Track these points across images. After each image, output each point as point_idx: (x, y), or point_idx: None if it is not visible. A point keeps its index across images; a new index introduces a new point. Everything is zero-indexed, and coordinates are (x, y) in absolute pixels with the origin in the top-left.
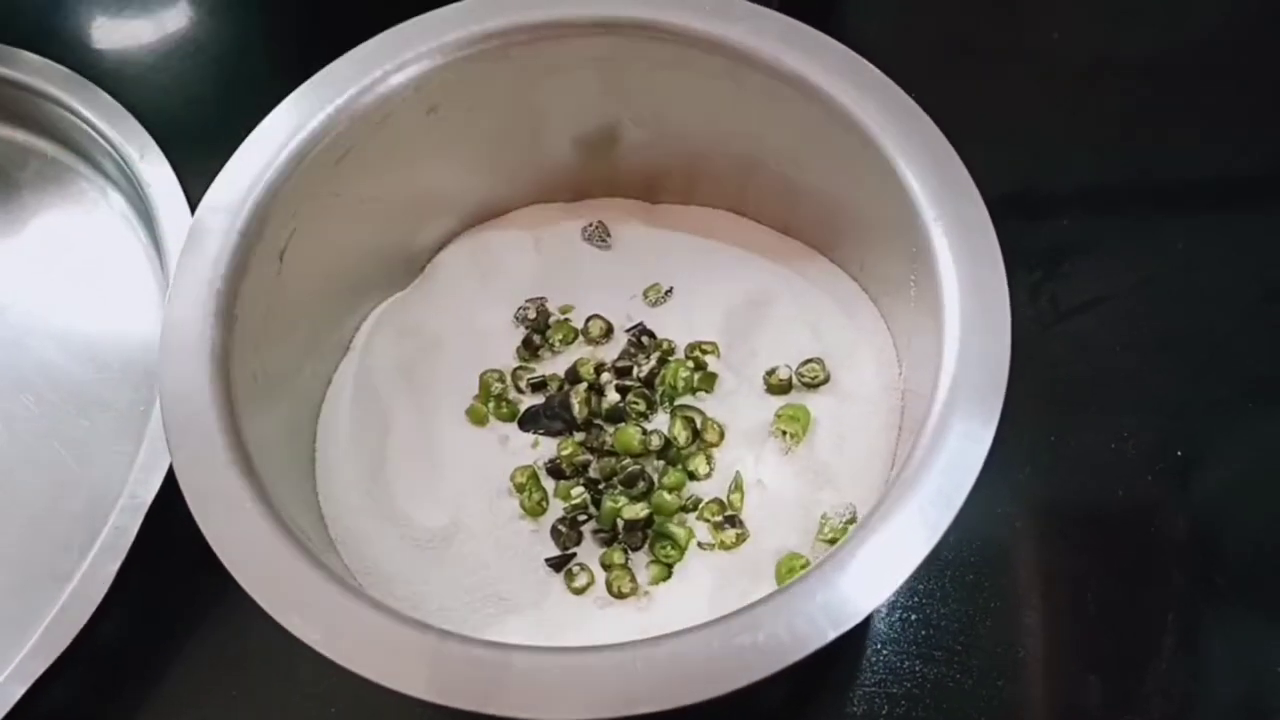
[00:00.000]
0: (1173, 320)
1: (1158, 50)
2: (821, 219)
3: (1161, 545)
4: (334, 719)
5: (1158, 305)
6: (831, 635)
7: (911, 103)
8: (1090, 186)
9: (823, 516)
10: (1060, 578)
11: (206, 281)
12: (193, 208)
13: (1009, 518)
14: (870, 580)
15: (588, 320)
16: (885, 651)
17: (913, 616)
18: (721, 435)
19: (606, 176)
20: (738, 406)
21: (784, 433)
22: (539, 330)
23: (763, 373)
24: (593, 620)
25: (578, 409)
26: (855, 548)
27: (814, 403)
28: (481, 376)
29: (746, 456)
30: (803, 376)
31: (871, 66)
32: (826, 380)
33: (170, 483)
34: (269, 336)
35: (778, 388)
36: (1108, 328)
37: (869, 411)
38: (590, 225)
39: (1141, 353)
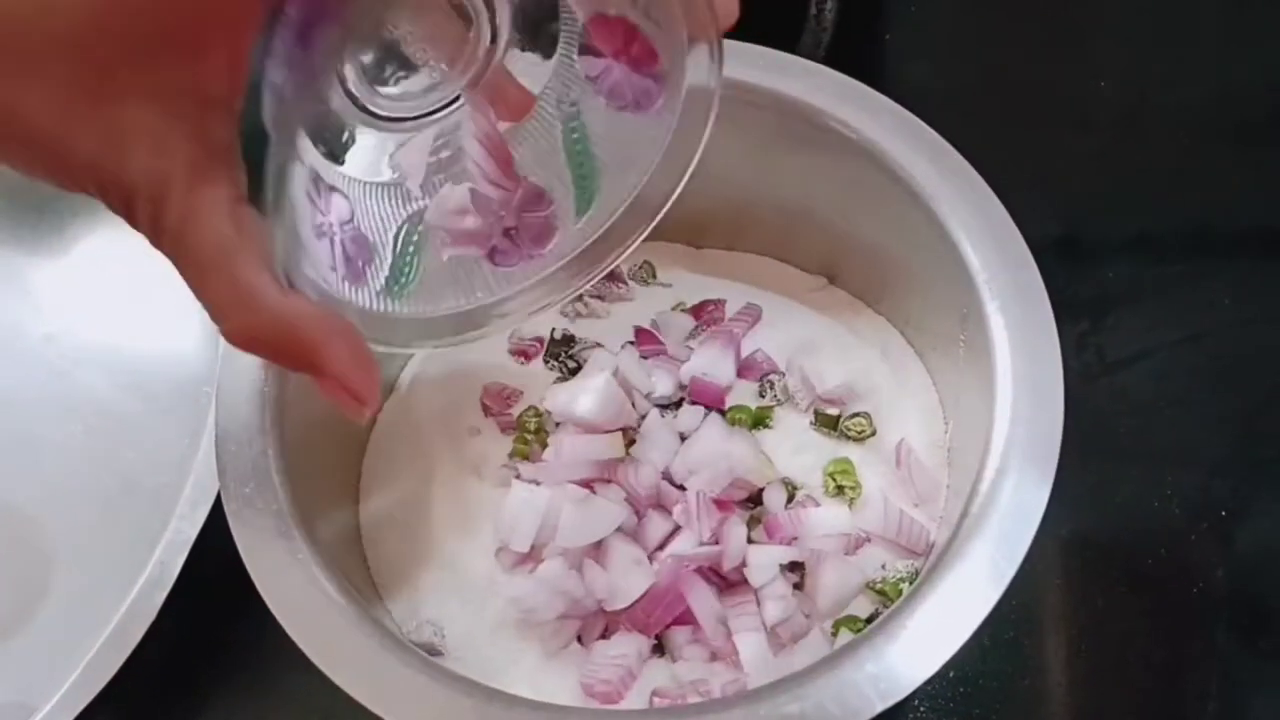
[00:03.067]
0: (1219, 377)
1: (1206, 99)
2: (868, 271)
3: (1205, 606)
4: None
5: (1204, 361)
6: (880, 707)
7: (965, 163)
8: (1137, 237)
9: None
10: (1101, 637)
11: None
12: None
13: (1050, 574)
14: (920, 652)
15: None
16: (923, 709)
17: (951, 673)
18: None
19: None
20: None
21: (839, 487)
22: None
23: (808, 423)
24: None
25: None
26: (905, 618)
27: (859, 456)
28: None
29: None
30: (849, 430)
31: (925, 126)
32: (873, 434)
33: (213, 518)
34: None
35: (826, 421)
36: (1153, 382)
37: (915, 466)
38: (636, 266)
39: (1186, 409)
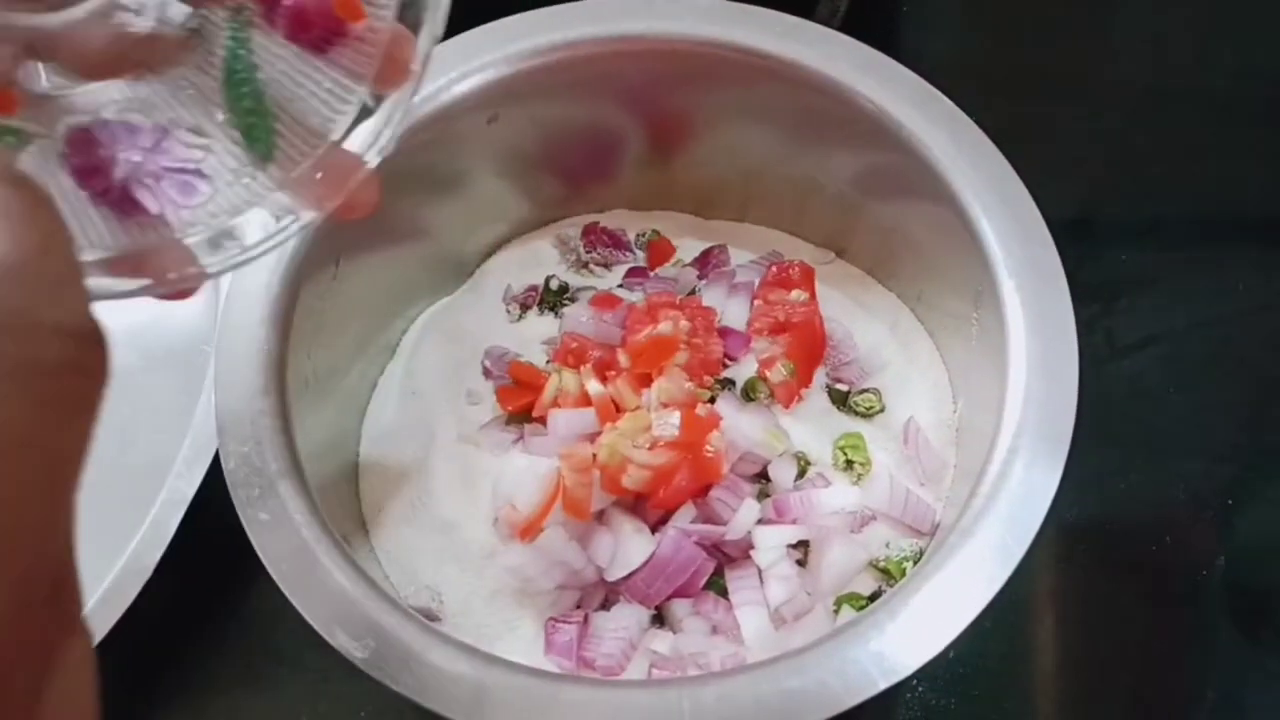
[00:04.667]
0: (1228, 364)
1: (1224, 84)
2: (880, 246)
3: (1208, 595)
4: None
5: (1214, 347)
6: (882, 685)
7: (984, 138)
8: (1150, 221)
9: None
10: (1102, 622)
11: (264, 286)
12: None
13: (1054, 558)
14: (925, 631)
15: None
16: (921, 688)
17: (951, 654)
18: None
19: (661, 189)
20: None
21: (849, 461)
22: None
23: (818, 397)
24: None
25: None
26: (910, 595)
27: (867, 433)
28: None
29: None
30: (857, 406)
31: (945, 99)
32: (882, 410)
33: (210, 477)
34: (321, 341)
35: (835, 396)
36: (1162, 368)
37: (922, 445)
38: (642, 235)
39: (1195, 395)
